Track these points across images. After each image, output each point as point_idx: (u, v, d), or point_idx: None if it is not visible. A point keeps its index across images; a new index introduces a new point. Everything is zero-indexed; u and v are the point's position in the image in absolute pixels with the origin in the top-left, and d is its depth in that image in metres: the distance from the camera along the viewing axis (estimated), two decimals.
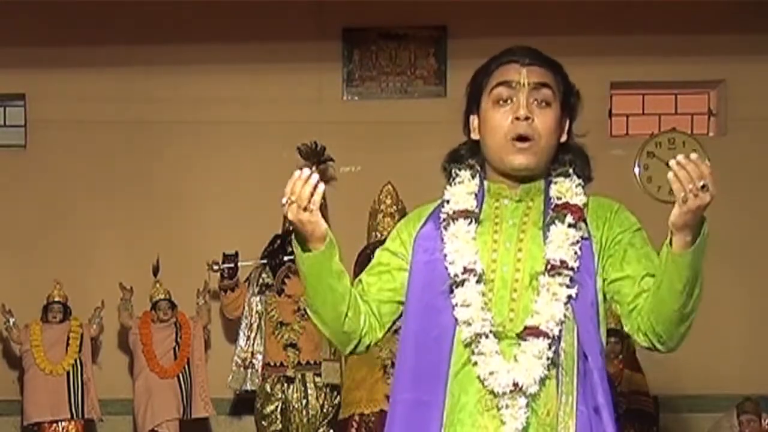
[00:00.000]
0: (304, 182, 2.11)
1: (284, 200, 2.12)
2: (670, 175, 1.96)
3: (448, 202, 2.30)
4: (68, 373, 6.00)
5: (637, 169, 6.58)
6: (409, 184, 5.84)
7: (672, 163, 1.95)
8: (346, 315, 2.26)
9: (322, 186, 2.12)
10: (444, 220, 2.27)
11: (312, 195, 2.11)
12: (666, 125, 6.75)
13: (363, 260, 5.79)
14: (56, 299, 6.11)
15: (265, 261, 5.98)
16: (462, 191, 2.29)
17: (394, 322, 2.38)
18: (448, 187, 2.32)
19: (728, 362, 6.28)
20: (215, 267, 5.97)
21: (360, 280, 2.38)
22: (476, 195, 2.29)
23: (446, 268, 2.21)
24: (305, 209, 2.12)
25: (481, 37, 6.13)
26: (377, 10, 6.43)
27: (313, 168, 2.14)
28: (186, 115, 6.43)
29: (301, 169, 2.13)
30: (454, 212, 2.26)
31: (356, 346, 2.34)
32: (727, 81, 6.61)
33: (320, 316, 2.29)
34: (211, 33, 6.41)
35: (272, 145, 6.45)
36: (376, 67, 6.59)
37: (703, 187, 1.94)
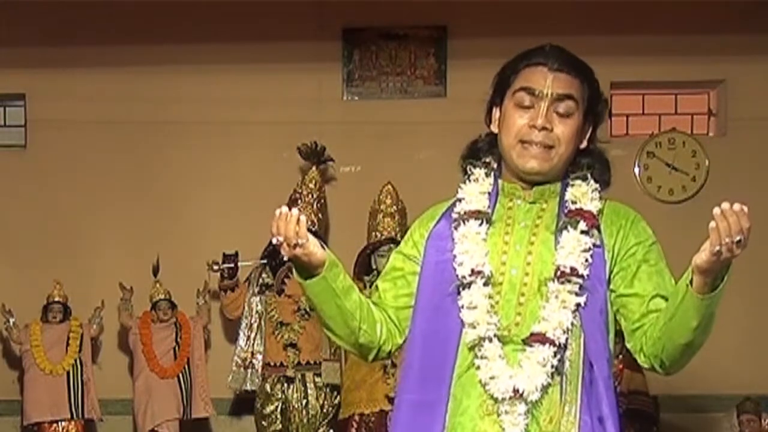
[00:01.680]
0: (285, 221, 2.10)
1: (274, 241, 2.12)
2: (712, 224, 1.91)
3: (461, 200, 2.27)
4: (68, 373, 6.00)
5: (637, 169, 6.58)
6: (409, 184, 5.85)
7: (716, 211, 1.91)
8: (360, 328, 2.26)
9: (303, 218, 2.11)
10: (455, 220, 2.25)
11: (297, 231, 2.10)
12: (666, 125, 6.75)
13: (363, 260, 5.81)
14: (56, 299, 6.11)
15: (265, 261, 5.98)
16: (475, 190, 2.27)
17: None
18: (462, 185, 2.30)
19: (728, 362, 6.27)
20: (215, 267, 5.97)
21: (376, 287, 2.36)
22: (489, 194, 2.27)
23: (455, 270, 2.19)
24: (296, 246, 2.11)
25: (481, 37, 6.15)
26: (377, 10, 6.43)
27: (297, 208, 2.13)
28: (186, 115, 6.43)
29: (281, 207, 2.12)
30: (465, 212, 2.24)
31: (377, 354, 2.34)
32: (727, 81, 6.60)
33: (334, 332, 2.28)
34: (211, 33, 6.40)
35: (272, 145, 6.45)
36: (376, 67, 6.59)
37: (738, 242, 1.91)
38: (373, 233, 5.81)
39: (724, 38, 6.39)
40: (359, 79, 6.60)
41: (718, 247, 1.91)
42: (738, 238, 1.90)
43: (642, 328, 2.15)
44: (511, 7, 6.23)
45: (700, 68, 6.56)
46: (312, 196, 6.00)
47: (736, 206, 1.91)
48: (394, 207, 5.84)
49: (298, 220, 2.10)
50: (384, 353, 2.34)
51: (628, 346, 2.21)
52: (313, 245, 2.14)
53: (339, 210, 6.30)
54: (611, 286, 2.19)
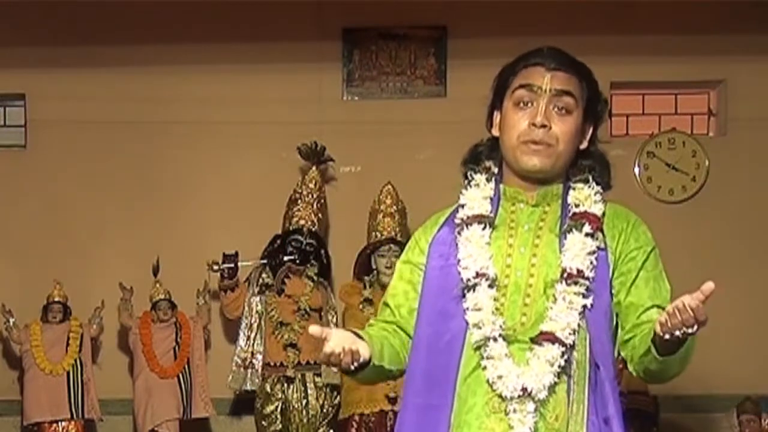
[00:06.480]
0: (343, 353, 2.10)
1: (326, 355, 2.11)
2: (662, 318, 1.97)
3: (463, 206, 2.29)
4: (68, 373, 5.99)
5: (637, 169, 6.58)
6: (409, 184, 5.85)
7: (669, 309, 1.97)
8: (392, 371, 2.31)
9: (362, 351, 2.15)
10: (458, 225, 2.26)
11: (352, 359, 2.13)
12: (666, 125, 6.75)
13: (363, 260, 5.81)
14: (56, 299, 6.10)
15: (265, 261, 5.98)
16: (477, 195, 2.28)
17: None
18: (463, 191, 2.31)
19: (728, 362, 6.27)
20: (215, 267, 5.96)
21: (387, 304, 2.38)
22: (492, 199, 2.28)
23: (459, 273, 2.20)
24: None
25: (481, 37, 6.15)
26: (377, 10, 6.42)
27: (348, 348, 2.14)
28: (186, 115, 6.43)
29: (343, 350, 2.10)
30: (468, 217, 2.25)
31: (394, 377, 2.38)
32: (727, 81, 6.60)
33: (369, 382, 2.39)
34: (211, 33, 6.40)
35: (272, 145, 6.45)
36: (376, 67, 6.59)
37: (689, 333, 1.97)
38: (373, 233, 5.81)
39: (724, 38, 6.39)
40: (359, 79, 6.60)
41: (668, 336, 1.98)
42: (690, 331, 1.96)
43: (632, 341, 2.19)
44: (511, 7, 6.23)
45: (700, 68, 6.56)
46: (312, 196, 6.00)
47: (693, 303, 1.93)
48: (394, 207, 5.84)
49: (356, 352, 2.12)
50: (400, 373, 2.37)
51: (622, 354, 2.25)
52: (361, 352, 2.16)
53: (339, 210, 6.30)
54: (612, 290, 2.21)
